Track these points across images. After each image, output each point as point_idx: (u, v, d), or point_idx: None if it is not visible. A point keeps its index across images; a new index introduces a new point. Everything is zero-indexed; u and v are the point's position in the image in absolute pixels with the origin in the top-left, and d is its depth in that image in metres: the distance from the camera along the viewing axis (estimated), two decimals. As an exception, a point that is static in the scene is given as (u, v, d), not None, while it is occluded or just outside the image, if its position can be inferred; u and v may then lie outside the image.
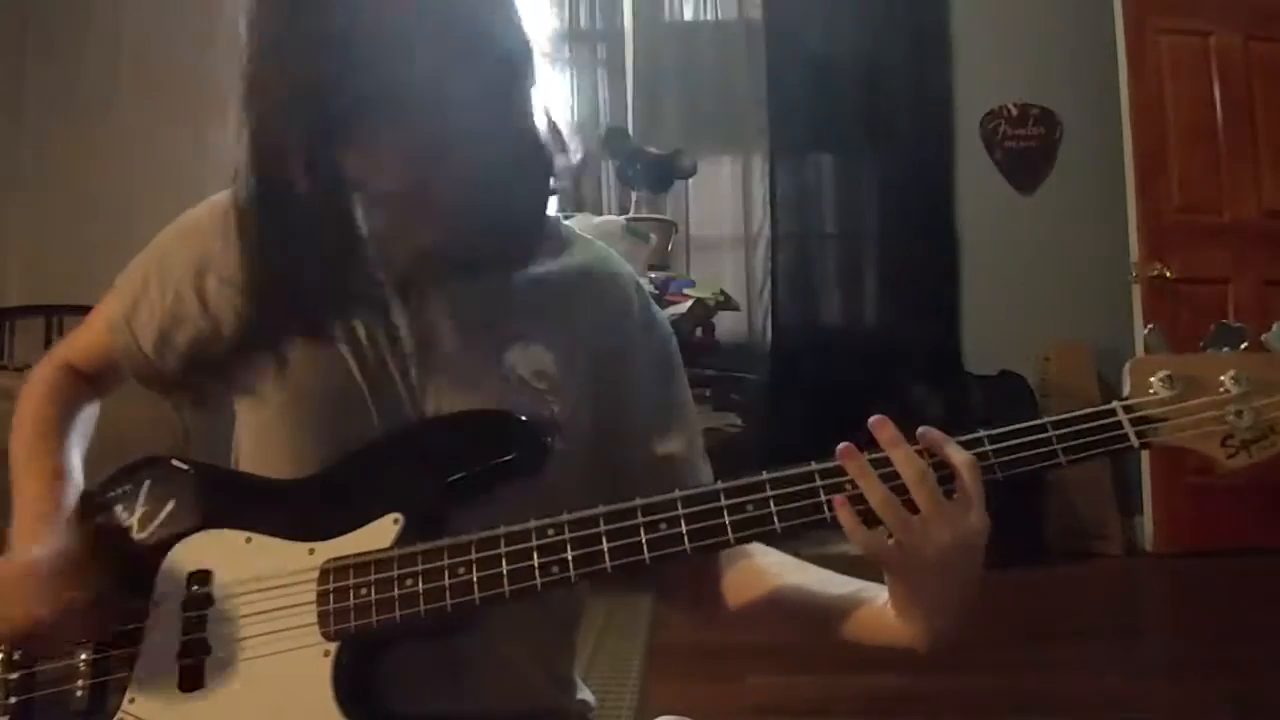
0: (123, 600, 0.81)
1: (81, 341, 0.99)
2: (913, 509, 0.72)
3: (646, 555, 0.75)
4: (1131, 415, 0.74)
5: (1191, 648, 2.59)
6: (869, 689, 2.18)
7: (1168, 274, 3.62)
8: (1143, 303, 3.67)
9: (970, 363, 3.96)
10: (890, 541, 0.73)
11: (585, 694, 0.98)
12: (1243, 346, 0.75)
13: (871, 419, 0.74)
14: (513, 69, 0.81)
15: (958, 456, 0.73)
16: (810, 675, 2.25)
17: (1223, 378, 0.74)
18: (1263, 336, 0.75)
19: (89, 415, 0.99)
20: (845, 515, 0.73)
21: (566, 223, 0.97)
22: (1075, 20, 4.00)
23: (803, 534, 0.75)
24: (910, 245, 4.08)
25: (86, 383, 0.99)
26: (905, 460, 0.72)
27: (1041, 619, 2.89)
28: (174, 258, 0.92)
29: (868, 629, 0.82)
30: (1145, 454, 3.75)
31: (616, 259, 0.97)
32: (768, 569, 0.90)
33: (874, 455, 0.74)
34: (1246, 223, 3.78)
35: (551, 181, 0.88)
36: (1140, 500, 3.81)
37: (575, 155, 0.88)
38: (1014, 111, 4.09)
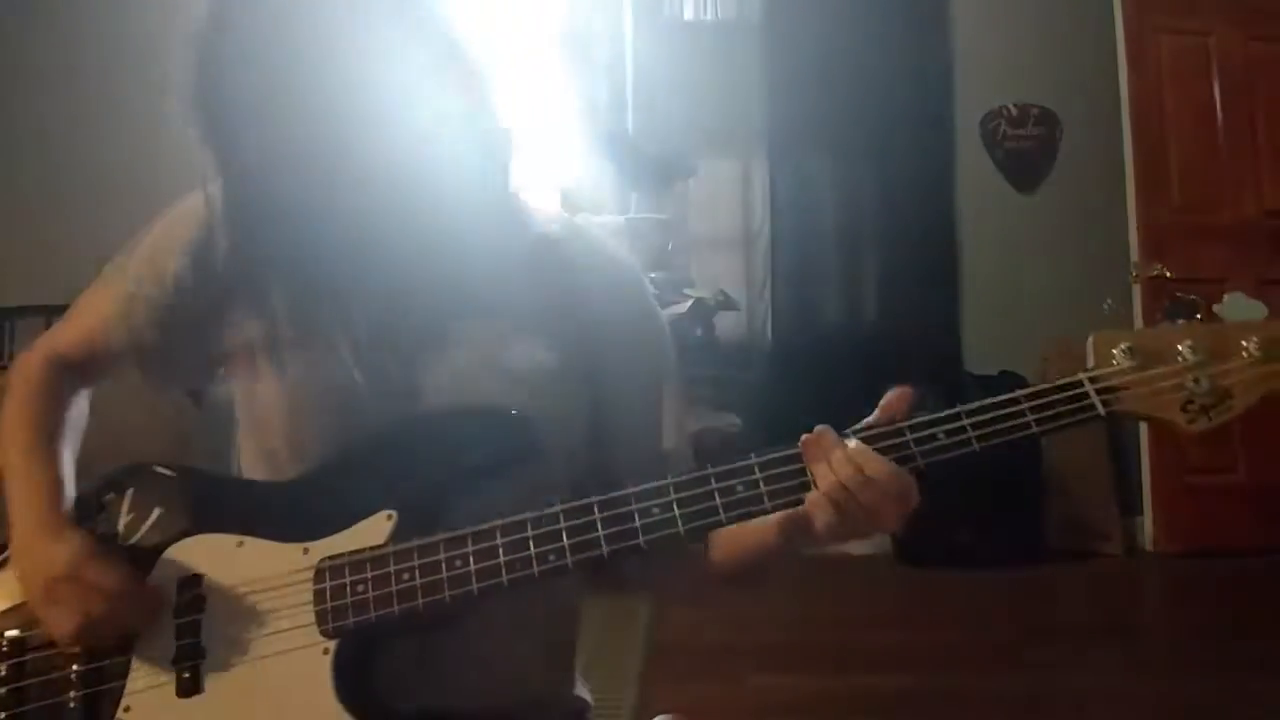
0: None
1: (71, 332, 0.96)
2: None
3: (641, 539, 0.76)
4: (1097, 386, 0.78)
5: (1191, 648, 2.59)
6: (869, 689, 2.18)
7: (1168, 274, 3.61)
8: (1143, 303, 3.67)
9: (970, 363, 3.96)
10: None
11: (584, 694, 0.98)
12: (1197, 318, 0.80)
13: (817, 428, 0.78)
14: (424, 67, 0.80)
15: (878, 469, 0.75)
16: (810, 675, 2.25)
17: (1180, 347, 0.78)
18: (1214, 307, 0.80)
19: (80, 410, 0.97)
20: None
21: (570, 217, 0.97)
22: (1075, 20, 4.00)
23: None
24: (910, 245, 4.08)
25: (77, 373, 0.96)
26: (842, 461, 0.75)
27: (1041, 619, 2.89)
28: (170, 243, 0.90)
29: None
30: (1145, 453, 3.76)
31: (618, 251, 0.97)
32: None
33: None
34: (1246, 223, 3.78)
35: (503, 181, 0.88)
36: (1140, 500, 3.80)
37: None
38: (1014, 111, 4.08)
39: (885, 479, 0.75)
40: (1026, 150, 4.07)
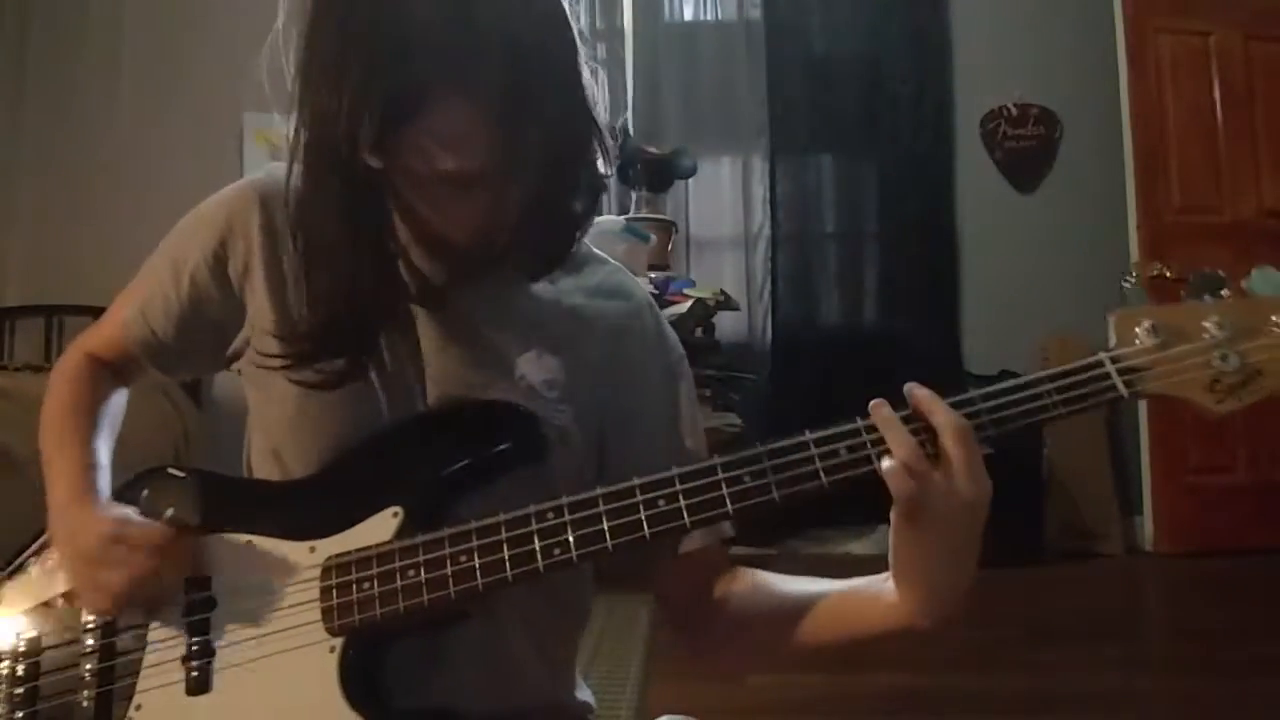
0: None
1: (103, 332, 0.98)
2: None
3: (647, 531, 0.75)
4: (1118, 365, 0.74)
5: (1191, 648, 2.59)
6: (869, 689, 2.18)
7: (1168, 274, 3.61)
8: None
9: (970, 363, 3.97)
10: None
11: (586, 694, 0.98)
12: (1223, 293, 0.76)
13: (872, 403, 0.74)
14: (574, 60, 0.79)
15: (943, 418, 0.72)
16: (810, 675, 2.24)
17: (1205, 324, 0.74)
18: (1242, 283, 0.76)
19: (117, 405, 0.98)
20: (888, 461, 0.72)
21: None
22: (1075, 20, 4.01)
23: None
24: (910, 245, 4.08)
25: (111, 372, 0.98)
26: (898, 441, 0.72)
27: (1041, 619, 2.89)
28: (190, 245, 0.91)
29: (870, 610, 0.81)
30: (1145, 453, 3.76)
31: (630, 279, 0.98)
32: (763, 577, 0.90)
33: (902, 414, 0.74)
34: (1246, 223, 3.78)
35: (598, 186, 0.86)
36: (1140, 500, 3.81)
37: (611, 165, 0.87)
38: (1014, 111, 4.09)
39: (956, 428, 0.70)
40: (1026, 150, 4.08)
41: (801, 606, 0.85)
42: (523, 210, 0.79)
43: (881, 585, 0.80)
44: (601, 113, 0.82)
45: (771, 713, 2.11)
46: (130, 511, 0.83)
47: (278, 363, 0.84)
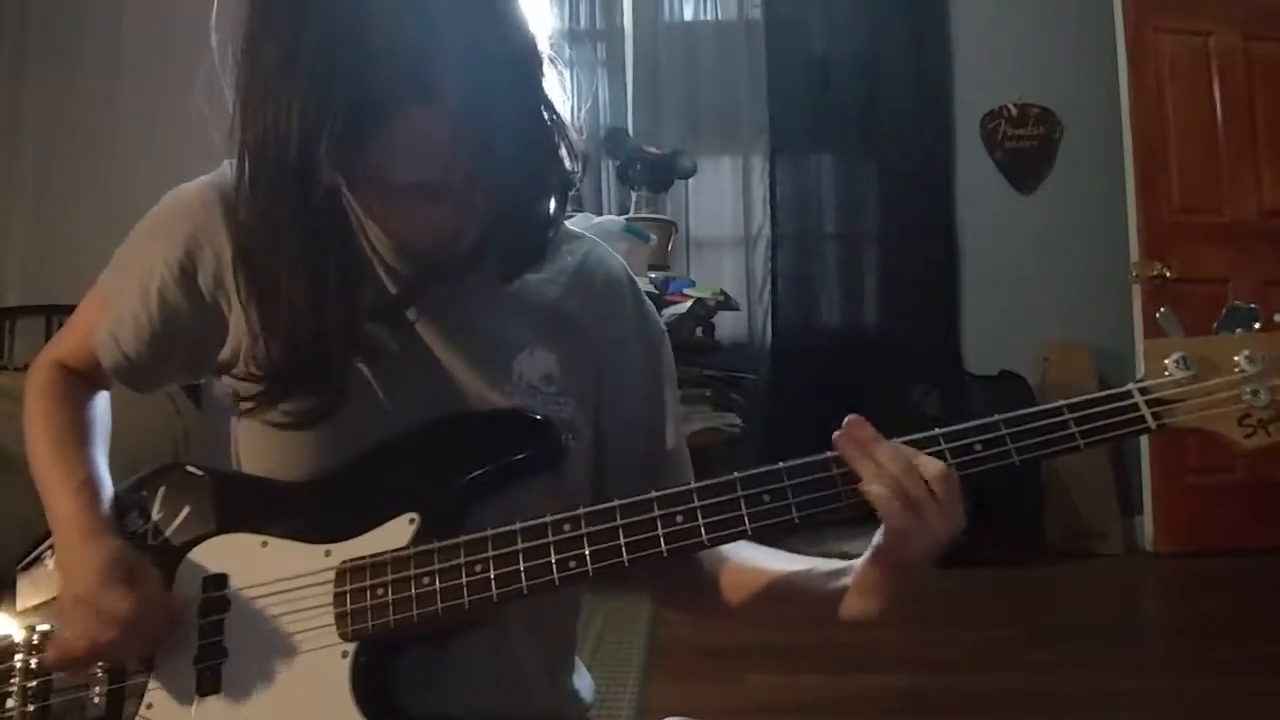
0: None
1: (69, 343, 0.95)
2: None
3: (664, 548, 0.74)
4: (1147, 397, 0.74)
5: (1191, 648, 2.59)
6: (869, 689, 2.18)
7: (1168, 274, 3.62)
8: (1142, 303, 3.67)
9: (970, 363, 3.96)
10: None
11: (585, 680, 0.98)
12: (1256, 327, 0.75)
13: (849, 418, 0.74)
14: (534, 61, 0.78)
15: (930, 469, 0.72)
16: (810, 675, 2.24)
17: (1237, 358, 0.74)
18: (1276, 316, 0.75)
19: (100, 409, 0.95)
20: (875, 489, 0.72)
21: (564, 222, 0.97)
22: (1075, 20, 4.01)
23: (820, 522, 0.74)
24: (910, 245, 4.08)
25: (84, 379, 0.95)
26: (891, 456, 0.72)
27: (1041, 619, 2.89)
28: (153, 259, 0.87)
29: (828, 604, 0.83)
30: (1145, 453, 3.75)
31: (608, 254, 0.98)
32: (747, 557, 0.91)
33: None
34: (1246, 223, 3.78)
35: (567, 185, 0.85)
36: (1140, 500, 3.81)
37: (579, 163, 0.85)
38: (1014, 111, 4.09)
39: (937, 474, 0.71)
40: (1026, 150, 4.08)
41: (774, 588, 0.87)
42: (488, 216, 0.78)
43: (838, 581, 0.81)
44: (567, 111, 0.81)
45: (771, 713, 2.10)
46: (112, 562, 0.79)
47: (249, 404, 0.82)
